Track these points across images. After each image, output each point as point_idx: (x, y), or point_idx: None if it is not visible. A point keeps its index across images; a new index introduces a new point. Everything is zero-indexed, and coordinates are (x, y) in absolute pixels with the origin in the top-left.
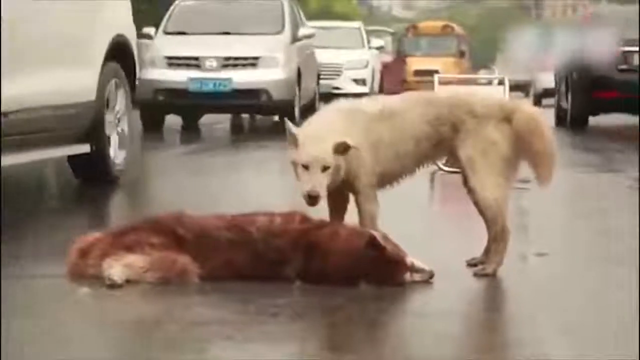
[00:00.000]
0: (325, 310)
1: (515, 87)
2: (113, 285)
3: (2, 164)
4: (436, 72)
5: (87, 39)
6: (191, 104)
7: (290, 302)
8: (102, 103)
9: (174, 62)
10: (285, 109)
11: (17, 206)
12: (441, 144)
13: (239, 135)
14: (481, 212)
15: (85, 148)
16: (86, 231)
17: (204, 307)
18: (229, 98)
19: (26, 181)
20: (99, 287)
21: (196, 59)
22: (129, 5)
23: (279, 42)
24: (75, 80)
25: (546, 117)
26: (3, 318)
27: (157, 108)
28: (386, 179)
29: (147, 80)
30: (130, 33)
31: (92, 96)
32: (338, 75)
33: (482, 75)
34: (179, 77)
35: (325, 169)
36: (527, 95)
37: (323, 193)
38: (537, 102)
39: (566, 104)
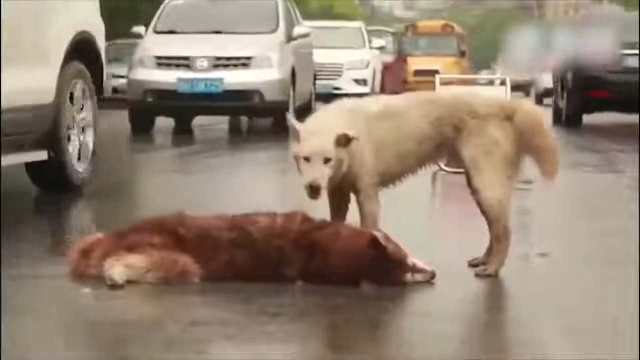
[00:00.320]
0: (327, 310)
1: (516, 87)
2: (114, 286)
3: None
4: (436, 72)
5: (44, 36)
6: (181, 106)
7: (291, 302)
8: (62, 105)
9: (164, 61)
10: (278, 111)
11: None
12: (443, 144)
13: (236, 137)
14: (483, 212)
15: (42, 155)
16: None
17: (204, 307)
18: (220, 99)
19: None
20: (100, 288)
21: (186, 58)
22: (95, 0)
23: (272, 41)
24: (31, 80)
25: (545, 115)
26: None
27: (146, 109)
28: (387, 179)
29: (136, 81)
30: (97, 30)
31: (50, 98)
32: (339, 75)
33: (484, 75)
34: (169, 77)
35: (327, 161)
36: (527, 95)
37: (324, 184)
38: (539, 101)
39: (562, 103)
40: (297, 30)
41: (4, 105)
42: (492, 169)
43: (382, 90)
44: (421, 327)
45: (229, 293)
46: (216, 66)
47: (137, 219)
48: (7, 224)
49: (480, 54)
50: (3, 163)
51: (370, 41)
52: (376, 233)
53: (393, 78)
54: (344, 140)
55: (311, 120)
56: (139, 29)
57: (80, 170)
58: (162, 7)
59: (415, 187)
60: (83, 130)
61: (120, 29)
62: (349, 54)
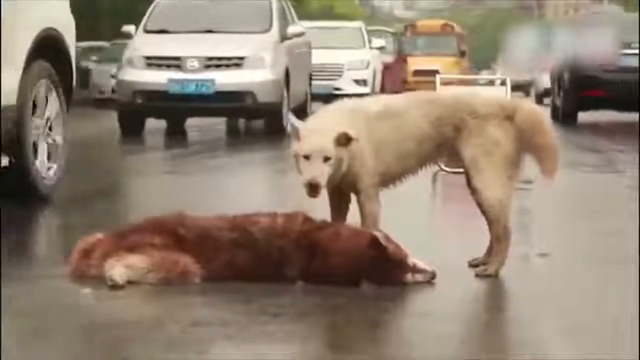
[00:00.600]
0: (327, 311)
1: (516, 87)
2: (115, 286)
3: None
4: (436, 72)
5: (5, 34)
6: (171, 107)
7: (292, 302)
8: (25, 107)
9: (154, 62)
10: (272, 113)
11: None
12: (443, 144)
13: (232, 139)
14: (484, 212)
15: (3, 160)
16: None
17: (205, 307)
18: (211, 101)
19: None
20: (100, 288)
21: (177, 58)
22: None
23: (266, 41)
24: None
25: (544, 114)
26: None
27: (135, 111)
28: (388, 179)
29: (125, 82)
30: (66, 28)
31: (13, 99)
32: (339, 76)
33: (485, 75)
34: (159, 78)
35: (326, 159)
36: (527, 95)
37: (324, 182)
38: (539, 101)
39: (559, 102)
40: (291, 30)
41: None
42: (492, 169)
43: (383, 91)
44: (421, 327)
45: (229, 293)
46: (207, 66)
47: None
48: None
49: (480, 54)
50: None
51: (370, 41)
52: (377, 233)
53: (393, 78)
54: (344, 140)
55: (312, 120)
56: (129, 28)
57: (47, 177)
58: (152, 5)
59: (415, 188)
60: (50, 133)
61: (120, 29)
62: (349, 54)
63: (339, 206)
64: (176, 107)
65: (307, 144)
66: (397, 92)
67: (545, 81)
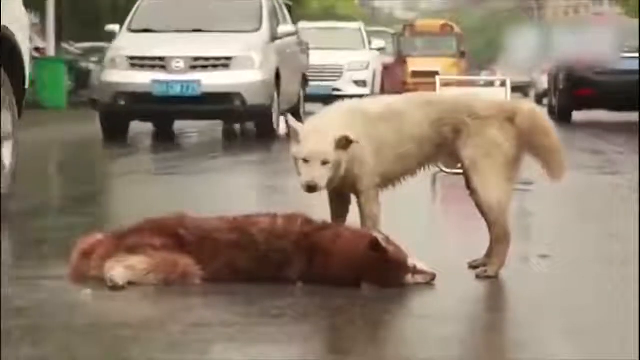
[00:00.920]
0: (328, 312)
1: (514, 88)
2: (115, 287)
3: None
4: (435, 73)
5: None
6: (156, 110)
7: (292, 304)
8: None
9: (137, 62)
10: (261, 115)
11: None
12: (443, 146)
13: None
14: (483, 214)
15: None
16: None
17: (206, 308)
18: (197, 103)
19: None
20: (101, 289)
21: (161, 59)
22: None
23: (255, 40)
24: None
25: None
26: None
27: (118, 114)
28: (388, 180)
29: (107, 83)
30: (19, 27)
31: None
32: (339, 76)
33: (484, 76)
34: (143, 79)
35: (325, 163)
36: (526, 95)
37: (322, 185)
38: (538, 101)
39: (555, 101)
40: (282, 29)
41: None
42: (492, 170)
43: (382, 92)
44: (421, 328)
45: (229, 294)
46: (193, 67)
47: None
48: None
49: (481, 55)
50: None
51: (370, 42)
52: (377, 235)
53: (393, 79)
54: (344, 143)
55: (311, 121)
56: (113, 27)
57: None
58: (137, 3)
59: (415, 189)
60: None
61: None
62: (348, 55)
63: (338, 207)
64: (160, 110)
65: (306, 147)
66: (397, 93)
67: (544, 82)
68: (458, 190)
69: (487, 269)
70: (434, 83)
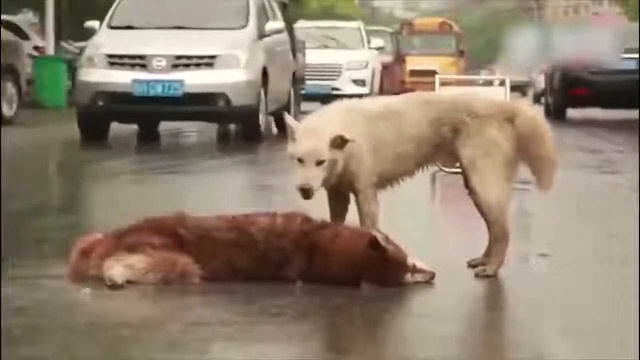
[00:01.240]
0: (327, 311)
1: (513, 87)
2: (114, 286)
3: None
4: (434, 72)
5: None
6: (136, 111)
7: (291, 303)
8: None
9: (117, 61)
10: (247, 117)
11: None
12: (442, 145)
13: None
14: (482, 213)
15: None
16: None
17: (205, 307)
18: (180, 103)
19: None
20: (100, 288)
21: (142, 57)
22: None
23: (241, 38)
24: None
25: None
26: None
27: (97, 115)
28: (386, 180)
29: (85, 82)
30: None
31: None
32: (338, 76)
33: (483, 76)
34: (122, 78)
35: (319, 162)
36: (524, 95)
37: (317, 186)
38: (537, 100)
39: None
40: (270, 26)
41: None
42: (490, 169)
43: (381, 91)
44: (421, 327)
45: (229, 293)
46: (176, 66)
47: None
48: None
49: (480, 54)
50: None
51: (369, 41)
52: (376, 234)
53: (392, 78)
54: (339, 142)
55: (308, 120)
56: (93, 23)
57: None
58: None
59: (414, 188)
60: None
61: None
62: (347, 55)
63: (337, 206)
64: (141, 111)
65: (301, 146)
66: (395, 93)
67: (542, 82)
68: (457, 190)
69: (486, 268)
70: (433, 82)
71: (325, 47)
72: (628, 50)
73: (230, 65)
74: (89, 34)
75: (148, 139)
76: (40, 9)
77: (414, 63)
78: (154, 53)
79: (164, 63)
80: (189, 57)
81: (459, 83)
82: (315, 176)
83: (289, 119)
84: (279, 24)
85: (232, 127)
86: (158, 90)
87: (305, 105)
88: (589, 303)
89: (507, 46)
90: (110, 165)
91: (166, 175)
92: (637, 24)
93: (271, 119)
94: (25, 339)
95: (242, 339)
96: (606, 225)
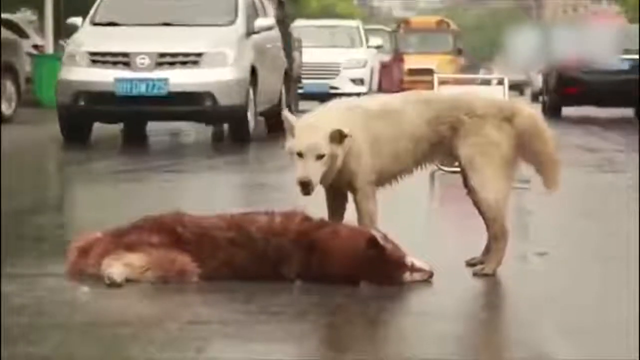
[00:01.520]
0: (326, 310)
1: (510, 86)
2: (113, 285)
3: None
4: (431, 71)
5: None
6: (119, 111)
7: (290, 302)
8: None
9: (99, 59)
10: (235, 117)
11: None
12: (440, 144)
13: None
14: (481, 212)
15: None
16: None
17: (203, 306)
18: (164, 103)
19: None
20: (99, 286)
21: (125, 55)
22: None
23: (228, 35)
24: None
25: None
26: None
27: (78, 115)
28: (384, 178)
29: (66, 81)
30: None
31: None
32: (336, 74)
33: (482, 74)
34: (104, 77)
35: (319, 157)
36: (521, 93)
37: (316, 180)
38: (535, 99)
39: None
40: (259, 22)
41: None
42: (489, 168)
43: (380, 90)
44: (419, 326)
45: (227, 292)
46: (160, 64)
47: None
48: None
49: (479, 53)
50: None
51: (367, 40)
52: (375, 233)
53: (390, 77)
54: (338, 137)
55: (307, 117)
56: (76, 20)
57: None
58: None
59: (413, 187)
60: None
61: None
62: (346, 53)
63: (336, 205)
64: (124, 111)
65: (301, 141)
66: (394, 92)
67: (540, 81)
68: (456, 189)
69: (484, 267)
70: (430, 81)
71: (324, 46)
72: (625, 52)
73: (217, 63)
74: (72, 30)
75: (134, 140)
76: (39, 8)
77: (411, 62)
78: (137, 50)
79: (147, 61)
80: (174, 55)
81: (457, 82)
82: (315, 170)
83: (288, 115)
84: (269, 20)
85: (226, 127)
86: (142, 90)
87: (303, 104)
88: (588, 302)
89: (505, 45)
90: (104, 165)
91: (166, 174)
92: (635, 25)
93: (262, 119)
94: (23, 338)
95: (241, 337)
96: (605, 224)
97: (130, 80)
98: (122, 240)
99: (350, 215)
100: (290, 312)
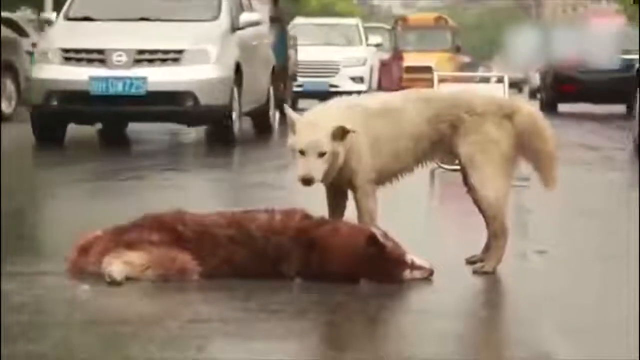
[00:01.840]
0: (326, 308)
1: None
2: (113, 283)
3: None
4: (429, 68)
5: None
6: (94, 111)
7: (290, 300)
8: None
9: (73, 56)
10: (217, 118)
11: None
12: (440, 142)
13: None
14: (481, 210)
15: None
16: None
17: (204, 304)
18: (142, 103)
19: None
20: (99, 284)
21: (101, 52)
22: None
23: (211, 31)
24: None
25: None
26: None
27: (51, 115)
28: (384, 176)
29: (38, 80)
30: None
31: None
32: (335, 73)
33: (481, 73)
34: (78, 75)
35: (321, 154)
36: (520, 91)
37: (318, 177)
38: (532, 96)
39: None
40: (245, 18)
41: None
42: (489, 166)
43: (379, 88)
44: (419, 323)
45: (228, 290)
46: (138, 61)
47: None
48: None
49: (478, 52)
50: None
51: (367, 38)
52: (375, 230)
53: (390, 75)
54: (340, 134)
55: (309, 114)
56: (50, 15)
57: None
58: None
59: (413, 185)
60: None
61: None
62: (345, 51)
63: (336, 203)
64: (99, 111)
65: (302, 139)
66: (393, 90)
67: (537, 78)
68: (456, 187)
69: (484, 265)
70: (429, 78)
71: (323, 44)
72: (624, 52)
73: (198, 61)
74: (46, 25)
75: (112, 141)
76: (38, 6)
77: (409, 59)
78: (113, 47)
79: (124, 58)
80: (153, 52)
81: (456, 80)
82: (316, 167)
83: (289, 111)
84: (255, 15)
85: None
86: (118, 89)
87: (302, 103)
88: (587, 300)
89: (505, 44)
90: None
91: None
92: (633, 27)
93: (248, 119)
94: (23, 336)
95: (241, 335)
96: (605, 222)
97: (106, 79)
98: (123, 238)
99: (350, 213)
100: (290, 310)
